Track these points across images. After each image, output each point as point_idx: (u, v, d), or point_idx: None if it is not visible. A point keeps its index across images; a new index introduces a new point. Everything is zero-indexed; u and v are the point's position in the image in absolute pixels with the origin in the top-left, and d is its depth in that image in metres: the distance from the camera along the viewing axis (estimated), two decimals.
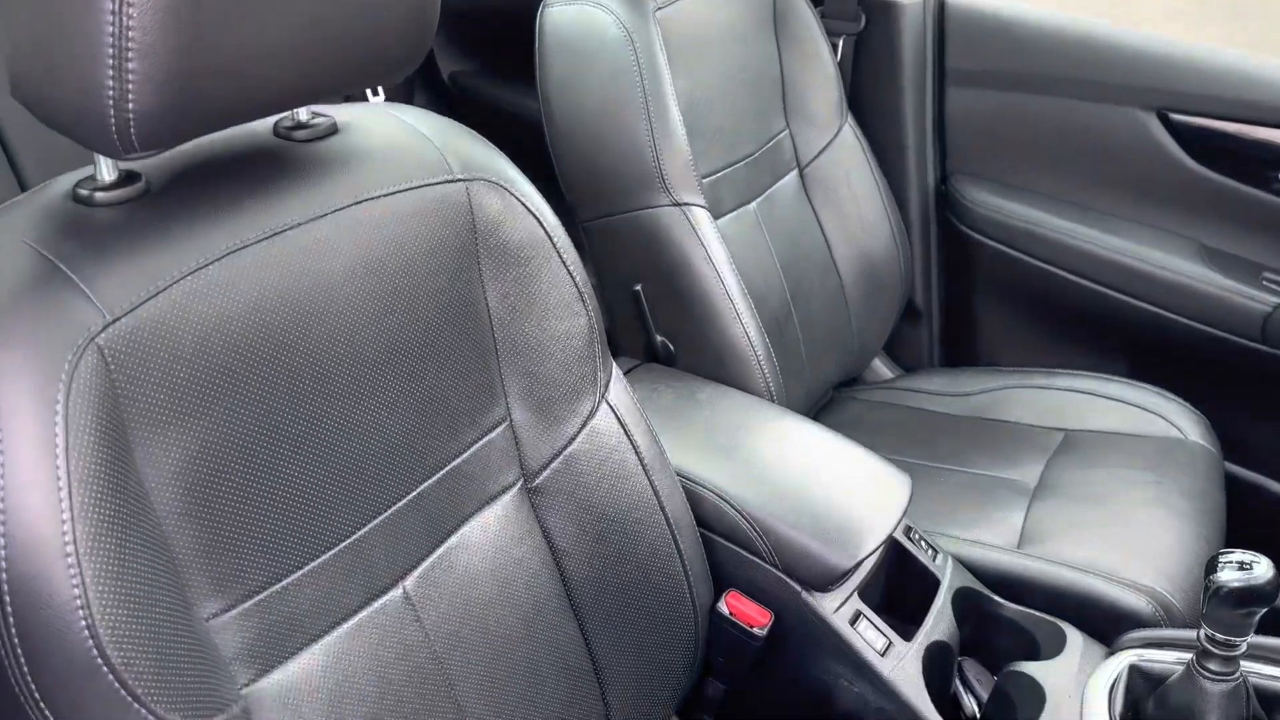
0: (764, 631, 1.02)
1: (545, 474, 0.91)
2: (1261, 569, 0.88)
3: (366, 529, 0.77)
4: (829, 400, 1.67)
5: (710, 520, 1.04)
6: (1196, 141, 1.57)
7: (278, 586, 0.71)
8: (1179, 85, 1.54)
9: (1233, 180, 1.56)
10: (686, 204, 1.25)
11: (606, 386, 0.95)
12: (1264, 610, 0.89)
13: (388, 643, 0.78)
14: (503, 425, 0.89)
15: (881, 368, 1.81)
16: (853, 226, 1.60)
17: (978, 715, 1.11)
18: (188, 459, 0.65)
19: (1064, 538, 1.28)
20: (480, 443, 0.87)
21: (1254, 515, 1.59)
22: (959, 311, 1.83)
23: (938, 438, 1.55)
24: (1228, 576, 0.89)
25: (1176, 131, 1.58)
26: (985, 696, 1.13)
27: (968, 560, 1.21)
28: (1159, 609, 1.16)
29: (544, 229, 0.89)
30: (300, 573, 0.72)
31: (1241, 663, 0.92)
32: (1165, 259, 1.60)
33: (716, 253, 1.25)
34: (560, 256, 0.90)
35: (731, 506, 1.04)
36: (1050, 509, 1.34)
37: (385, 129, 0.83)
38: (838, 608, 1.03)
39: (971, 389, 1.65)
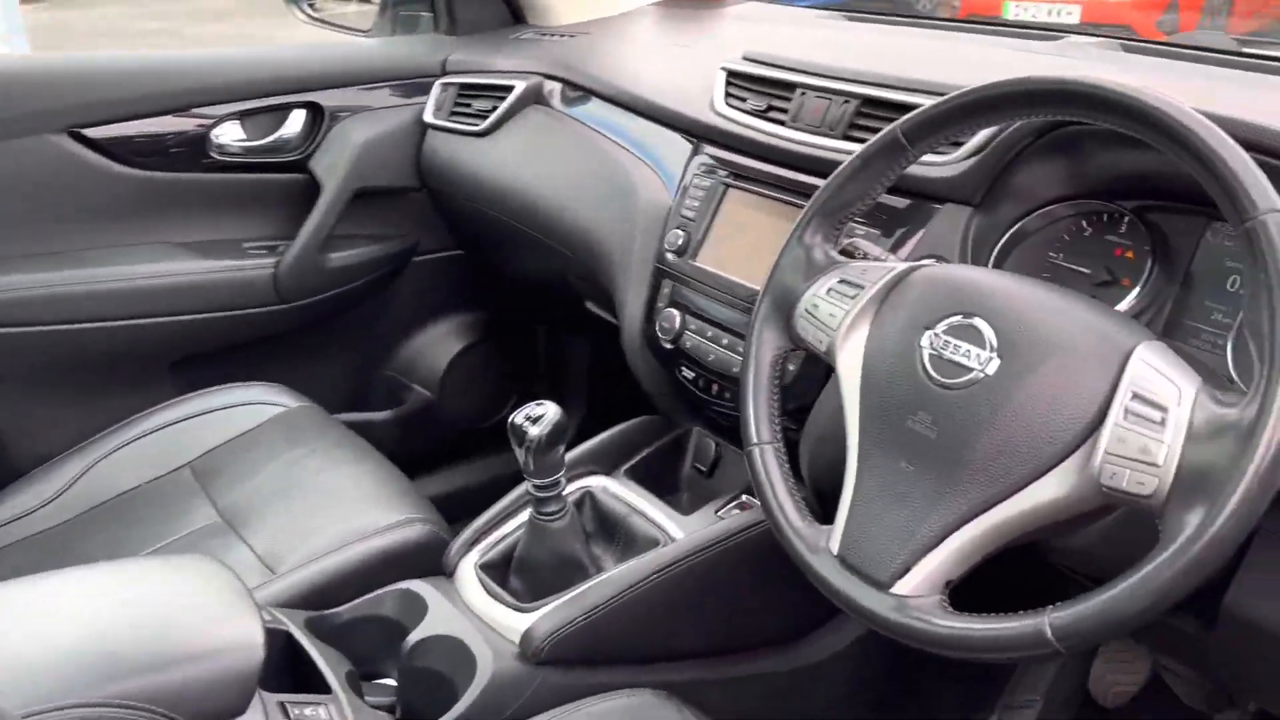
0: None
1: None
2: (550, 412, 1.03)
3: None
4: None
5: None
6: (120, 148, 1.53)
7: None
8: (87, 98, 1.47)
9: (170, 172, 1.58)
10: None
11: None
12: (564, 444, 1.04)
13: None
14: None
15: None
16: None
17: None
18: None
19: (305, 540, 1.23)
20: None
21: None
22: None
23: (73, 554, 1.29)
24: (535, 431, 1.01)
25: (96, 144, 1.51)
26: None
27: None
28: (431, 523, 1.23)
29: None
30: None
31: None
32: (160, 267, 1.56)
33: None
34: None
35: None
36: (264, 527, 1.27)
37: None
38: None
39: (52, 491, 1.39)
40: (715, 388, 1.18)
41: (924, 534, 0.73)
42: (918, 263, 0.84)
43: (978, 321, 0.75)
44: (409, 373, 1.88)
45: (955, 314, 0.76)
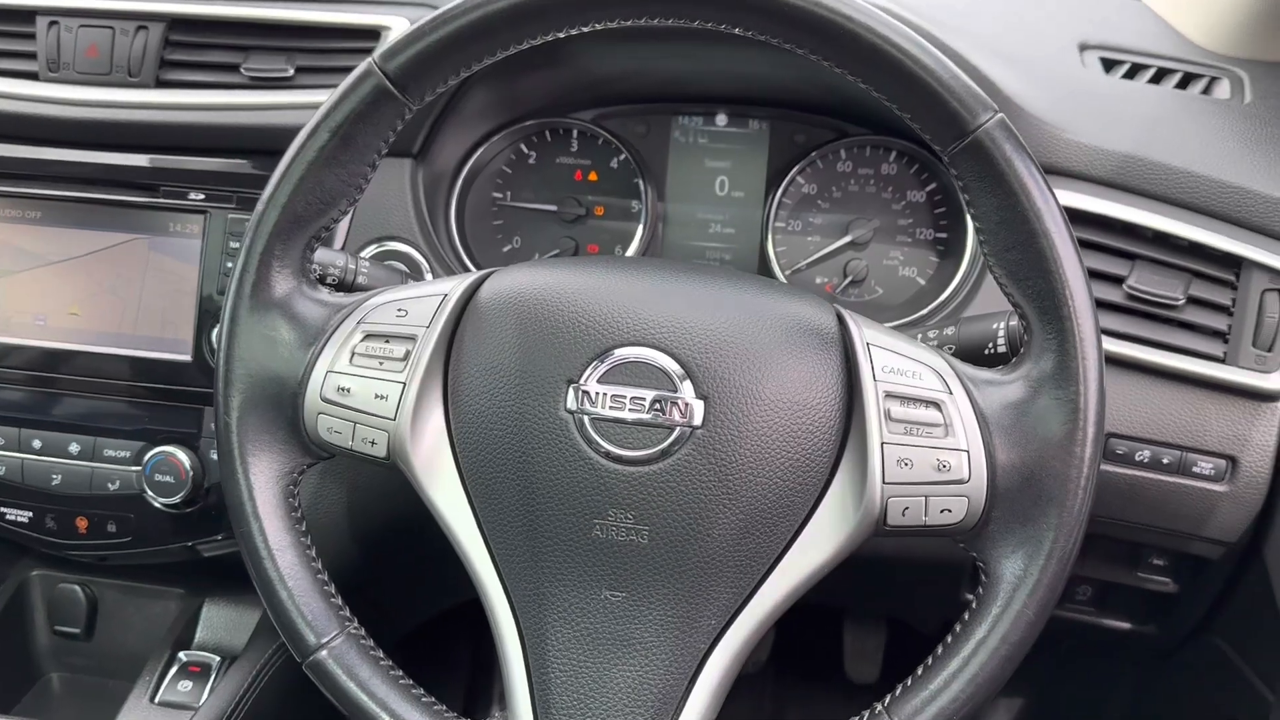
0: None
1: None
2: None
3: None
4: None
5: None
6: None
7: None
8: None
9: None
10: None
11: None
12: None
13: None
14: None
15: None
16: None
17: None
18: None
19: None
20: None
21: None
22: None
23: None
24: None
25: None
26: None
27: None
28: None
29: None
30: None
31: None
32: None
33: None
34: None
35: None
36: None
37: None
38: None
39: None
40: (85, 523, 0.72)
41: (671, 678, 0.49)
42: (474, 275, 0.53)
43: (642, 352, 0.49)
44: None
45: (600, 350, 0.49)
